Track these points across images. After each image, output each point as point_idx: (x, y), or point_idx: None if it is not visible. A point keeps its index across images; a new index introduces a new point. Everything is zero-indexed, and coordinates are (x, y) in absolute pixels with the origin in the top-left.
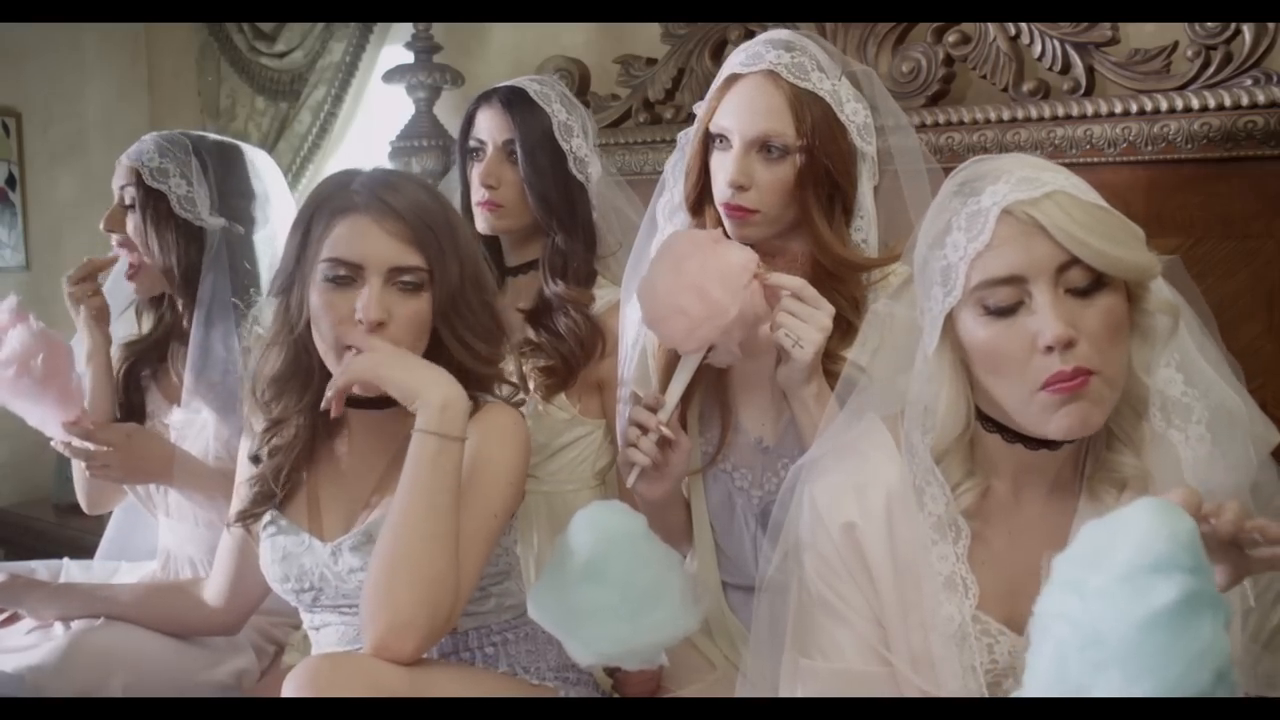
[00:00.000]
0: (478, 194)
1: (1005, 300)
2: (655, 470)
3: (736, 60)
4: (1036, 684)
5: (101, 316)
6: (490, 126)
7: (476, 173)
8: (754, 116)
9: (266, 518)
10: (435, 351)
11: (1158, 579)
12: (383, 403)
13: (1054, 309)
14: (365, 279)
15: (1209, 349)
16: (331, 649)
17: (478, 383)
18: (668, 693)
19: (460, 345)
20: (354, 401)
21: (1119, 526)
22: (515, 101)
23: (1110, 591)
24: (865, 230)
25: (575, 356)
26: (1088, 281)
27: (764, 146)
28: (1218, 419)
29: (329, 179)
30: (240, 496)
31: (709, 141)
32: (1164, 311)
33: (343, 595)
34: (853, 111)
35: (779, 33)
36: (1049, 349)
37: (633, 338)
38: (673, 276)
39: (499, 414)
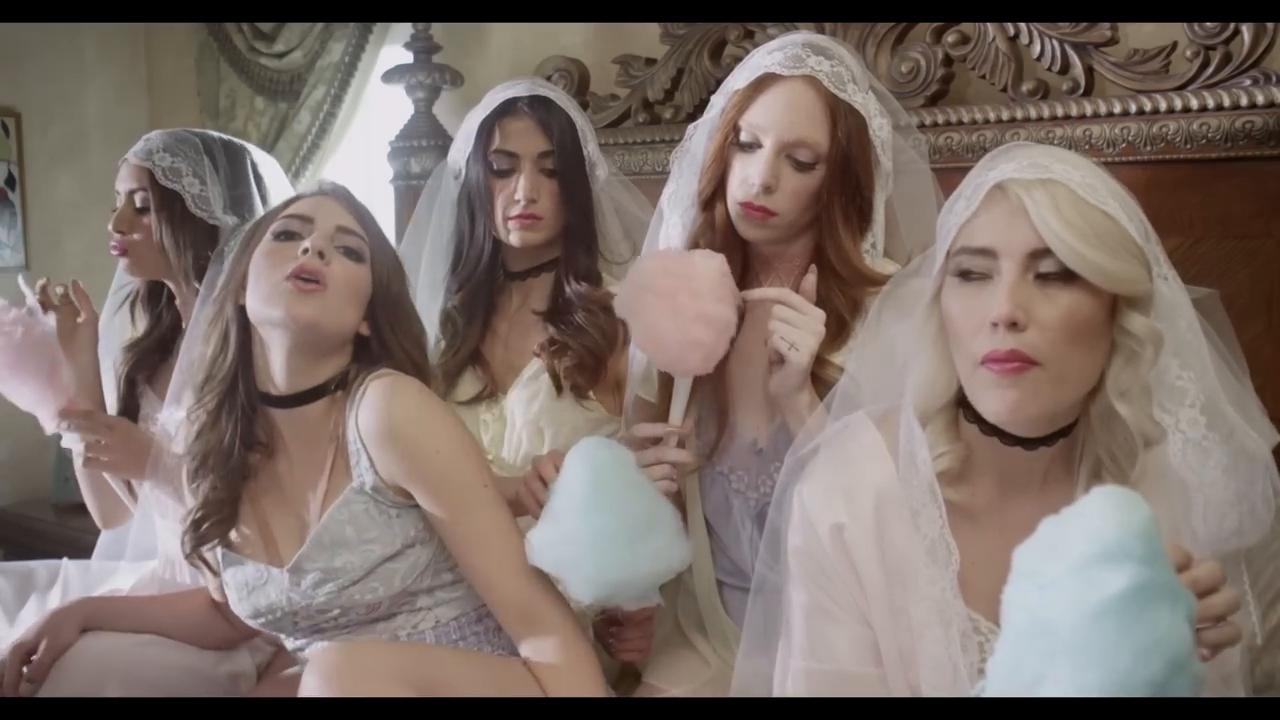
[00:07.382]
0: (514, 208)
1: (976, 269)
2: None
3: (773, 60)
4: (995, 674)
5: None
6: (522, 139)
7: (513, 185)
8: (792, 121)
9: (220, 552)
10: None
11: (1108, 568)
12: (311, 395)
13: (1011, 289)
14: (312, 232)
15: (1233, 390)
16: None
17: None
18: (662, 692)
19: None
20: (280, 400)
21: (1074, 516)
22: (547, 112)
23: (1062, 582)
24: (874, 238)
25: (600, 347)
26: (1058, 272)
27: (794, 154)
28: (1238, 464)
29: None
30: (190, 531)
31: (732, 137)
32: (1147, 338)
33: (318, 612)
34: (879, 127)
35: (816, 37)
36: (994, 325)
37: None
38: (672, 316)
39: (399, 397)
